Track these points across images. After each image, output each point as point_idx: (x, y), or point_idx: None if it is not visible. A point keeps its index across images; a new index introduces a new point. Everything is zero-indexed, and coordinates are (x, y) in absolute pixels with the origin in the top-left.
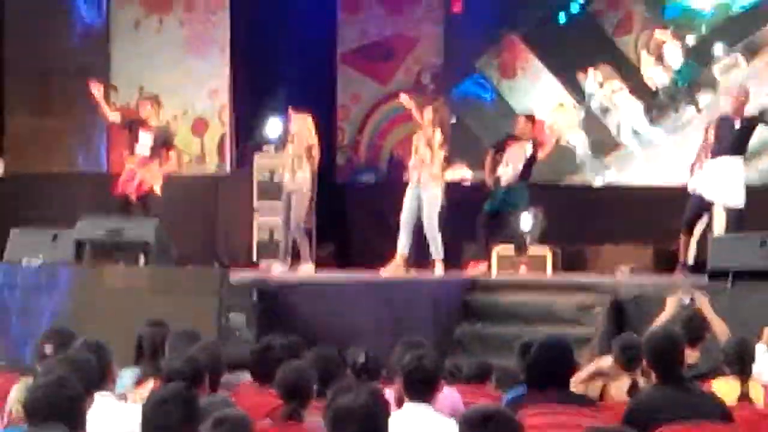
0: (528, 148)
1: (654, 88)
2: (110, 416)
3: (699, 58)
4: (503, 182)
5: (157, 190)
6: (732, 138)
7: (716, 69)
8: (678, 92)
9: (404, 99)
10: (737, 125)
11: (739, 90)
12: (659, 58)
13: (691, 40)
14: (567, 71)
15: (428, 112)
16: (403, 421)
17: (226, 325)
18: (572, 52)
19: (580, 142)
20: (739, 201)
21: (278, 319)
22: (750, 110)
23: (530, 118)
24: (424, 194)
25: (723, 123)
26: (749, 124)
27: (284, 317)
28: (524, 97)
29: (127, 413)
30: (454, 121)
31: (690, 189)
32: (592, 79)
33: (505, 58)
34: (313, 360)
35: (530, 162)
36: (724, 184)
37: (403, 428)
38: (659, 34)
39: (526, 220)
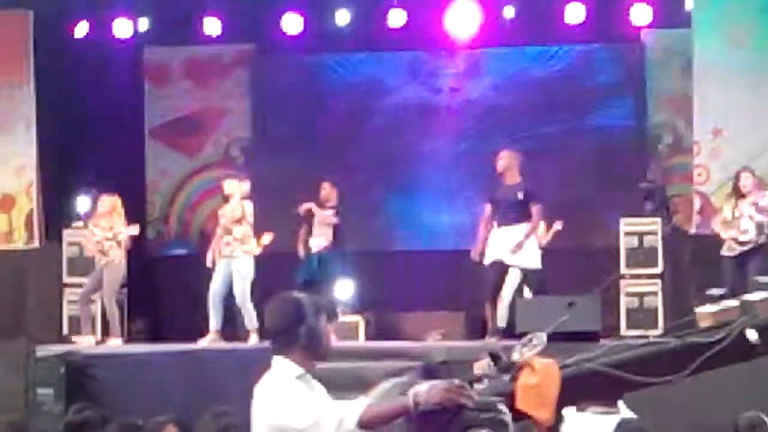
0: (331, 215)
1: None
2: None
3: None
4: (315, 250)
5: None
6: (517, 207)
7: None
8: None
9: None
10: (520, 195)
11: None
12: None
13: None
14: None
15: (240, 185)
16: None
17: (34, 399)
18: None
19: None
20: (536, 263)
21: (87, 393)
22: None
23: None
24: (236, 266)
25: (503, 194)
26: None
27: (93, 390)
28: None
29: None
30: None
31: (485, 262)
32: None
33: None
34: (118, 430)
35: (336, 228)
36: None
37: None
38: None
39: (342, 288)
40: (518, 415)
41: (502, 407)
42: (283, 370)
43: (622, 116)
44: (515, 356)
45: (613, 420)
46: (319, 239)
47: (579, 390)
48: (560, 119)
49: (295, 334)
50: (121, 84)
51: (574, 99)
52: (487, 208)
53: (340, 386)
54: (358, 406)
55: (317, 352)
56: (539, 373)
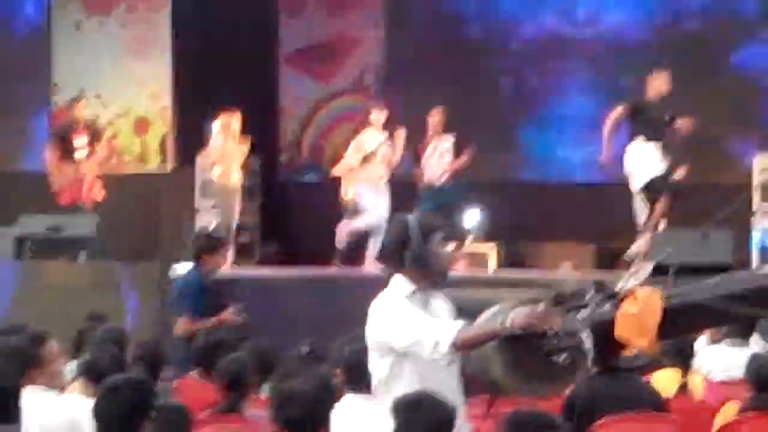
0: (447, 141)
1: None
2: (42, 408)
3: None
4: (437, 180)
5: (98, 194)
6: (664, 127)
7: None
8: None
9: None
10: (668, 116)
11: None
12: None
13: None
14: None
15: (382, 114)
16: (343, 410)
17: (168, 320)
18: None
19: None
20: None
21: (219, 314)
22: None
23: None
24: (387, 192)
25: (654, 111)
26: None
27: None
28: None
29: (60, 405)
30: None
31: (634, 187)
32: None
33: None
34: (252, 353)
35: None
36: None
37: (343, 418)
38: None
39: (470, 217)
40: (618, 343)
41: (584, 335)
42: (396, 287)
43: (758, 52)
44: (619, 285)
45: (746, 353)
46: (441, 166)
47: (683, 321)
48: (694, 54)
49: (402, 255)
50: (257, 11)
51: (710, 34)
52: (620, 109)
53: (471, 313)
54: (452, 330)
55: (427, 273)
56: (640, 302)
